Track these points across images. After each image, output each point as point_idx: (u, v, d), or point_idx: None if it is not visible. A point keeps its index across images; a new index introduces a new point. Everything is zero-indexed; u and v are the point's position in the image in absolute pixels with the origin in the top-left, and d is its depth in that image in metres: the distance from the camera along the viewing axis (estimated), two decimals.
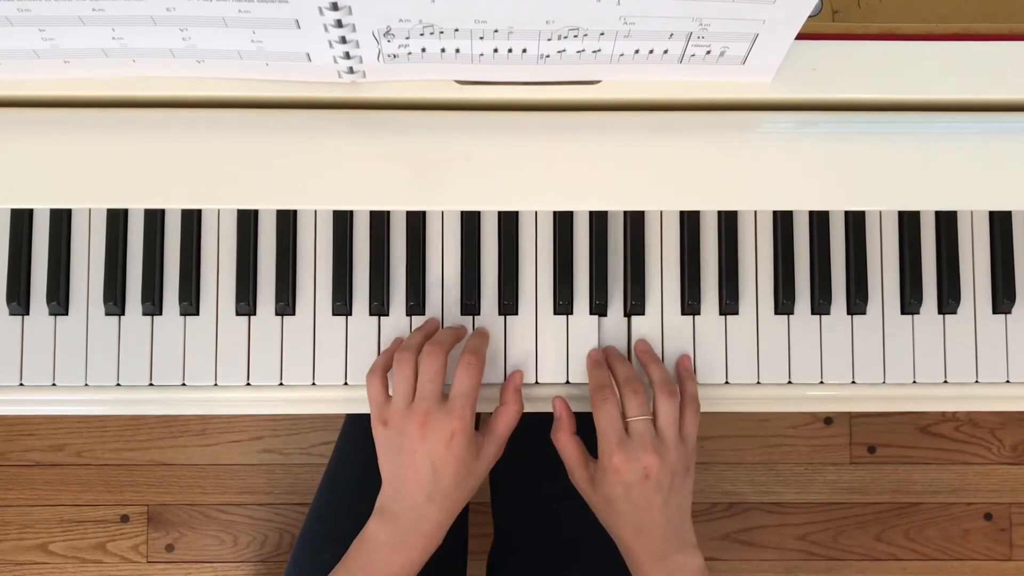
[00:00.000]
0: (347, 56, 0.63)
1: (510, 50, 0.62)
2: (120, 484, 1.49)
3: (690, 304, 0.75)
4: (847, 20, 0.69)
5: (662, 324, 0.76)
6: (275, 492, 1.49)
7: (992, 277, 0.76)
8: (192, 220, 0.75)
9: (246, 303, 0.74)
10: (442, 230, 0.75)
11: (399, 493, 0.68)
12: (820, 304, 0.75)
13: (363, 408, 0.72)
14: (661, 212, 0.76)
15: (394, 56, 0.63)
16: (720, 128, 0.68)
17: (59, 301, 0.74)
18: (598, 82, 0.68)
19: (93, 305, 0.74)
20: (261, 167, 0.67)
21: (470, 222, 0.75)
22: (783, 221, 0.76)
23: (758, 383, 0.75)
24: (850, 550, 1.50)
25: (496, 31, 0.60)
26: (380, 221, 0.75)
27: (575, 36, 0.61)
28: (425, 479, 0.67)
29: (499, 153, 0.68)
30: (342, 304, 0.74)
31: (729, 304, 0.75)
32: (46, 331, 0.74)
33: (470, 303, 0.75)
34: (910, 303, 0.75)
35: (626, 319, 0.76)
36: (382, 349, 0.75)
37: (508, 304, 0.75)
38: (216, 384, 0.74)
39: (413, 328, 0.75)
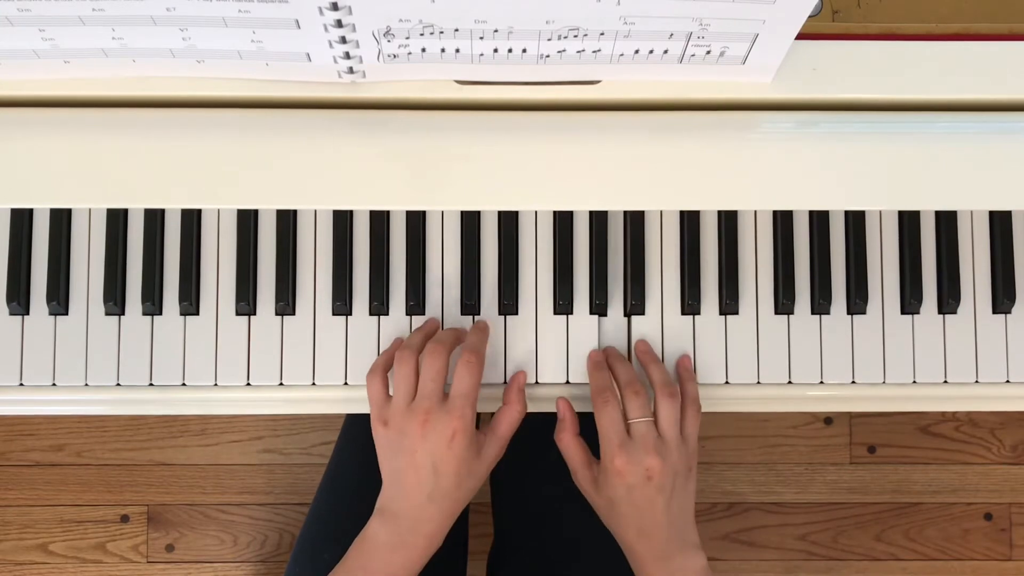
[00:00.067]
0: (347, 56, 0.63)
1: (510, 50, 0.62)
2: (120, 484, 1.49)
3: (690, 304, 0.75)
4: (847, 20, 0.69)
5: (662, 324, 0.76)
6: (275, 492, 1.49)
7: (992, 277, 0.76)
8: (192, 220, 0.75)
9: (246, 303, 0.74)
10: (442, 230, 0.75)
11: (400, 493, 0.68)
12: (820, 304, 0.75)
13: (363, 408, 0.72)
14: (661, 212, 0.76)
15: (394, 56, 0.63)
16: (720, 128, 0.68)
17: (59, 301, 0.74)
18: (598, 82, 0.68)
19: (93, 305, 0.74)
20: (261, 167, 0.67)
21: (470, 222, 0.75)
22: (783, 221, 0.76)
23: (758, 383, 0.75)
24: (850, 550, 1.50)
25: (496, 31, 0.60)
26: (380, 221, 0.75)
27: (575, 36, 0.61)
28: (426, 479, 0.67)
29: (499, 153, 0.68)
30: (342, 304, 0.74)
31: (729, 304, 0.75)
32: (46, 331, 0.74)
33: (470, 303, 0.75)
34: (910, 303, 0.75)
35: (626, 319, 0.76)
36: (382, 349, 0.75)
37: (508, 304, 0.75)
38: (216, 384, 0.74)
39: (413, 328, 0.75)
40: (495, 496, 0.99)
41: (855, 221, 0.76)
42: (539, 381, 0.75)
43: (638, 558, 0.69)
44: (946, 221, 0.76)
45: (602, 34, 0.61)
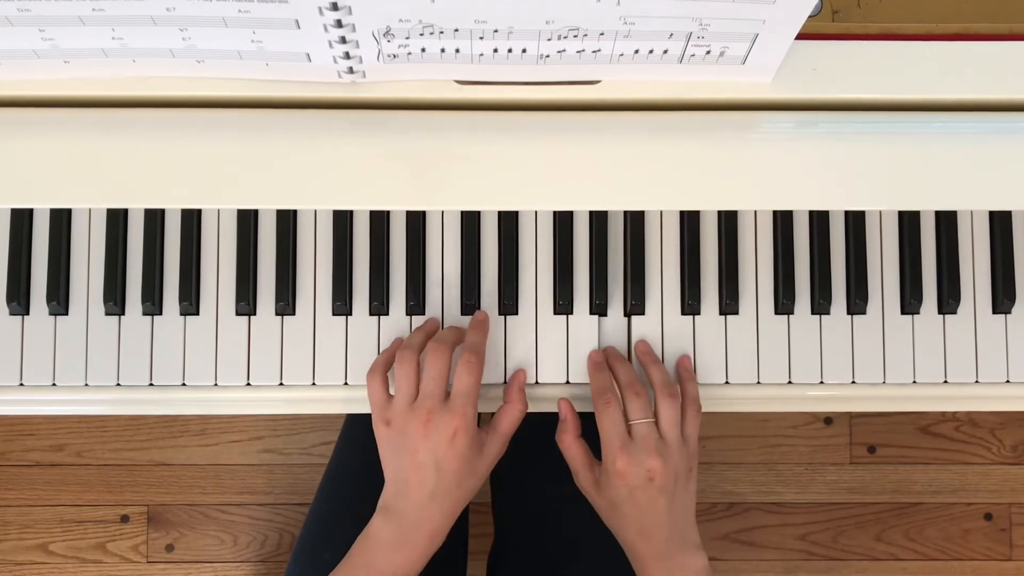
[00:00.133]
0: (347, 56, 0.63)
1: (510, 50, 0.62)
2: (120, 484, 1.49)
3: (690, 304, 0.75)
4: (847, 20, 0.69)
5: (662, 324, 0.76)
6: (275, 492, 1.49)
7: (992, 277, 0.76)
8: (192, 220, 0.75)
9: (246, 303, 0.74)
10: (442, 230, 0.75)
11: (402, 491, 0.68)
12: (820, 304, 0.75)
13: (363, 408, 0.72)
14: (661, 212, 0.76)
15: (394, 56, 0.63)
16: (720, 128, 0.68)
17: (59, 301, 0.74)
18: (598, 82, 0.68)
19: (93, 305, 0.74)
20: (261, 167, 0.67)
21: (470, 222, 0.75)
22: (783, 221, 0.76)
23: (758, 383, 0.75)
24: (850, 550, 1.50)
25: (496, 31, 0.60)
26: (380, 221, 0.75)
27: (575, 36, 0.61)
28: (428, 478, 0.67)
29: (499, 153, 0.68)
30: (342, 304, 0.74)
31: (729, 304, 0.75)
32: (46, 331, 0.74)
33: (470, 303, 0.75)
34: (910, 303, 0.75)
35: (626, 319, 0.76)
36: (382, 349, 0.75)
37: (508, 304, 0.75)
38: (216, 384, 0.74)
39: (413, 328, 0.75)
40: (495, 496, 0.99)
41: (855, 221, 0.76)
42: (539, 381, 0.75)
43: (639, 558, 0.69)
44: (946, 221, 0.76)
45: (602, 34, 0.61)
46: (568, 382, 0.75)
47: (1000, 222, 0.76)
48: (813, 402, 0.76)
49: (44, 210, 0.75)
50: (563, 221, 0.75)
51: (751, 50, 0.64)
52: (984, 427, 1.51)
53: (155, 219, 0.75)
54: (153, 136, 0.67)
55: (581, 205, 0.72)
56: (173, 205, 0.74)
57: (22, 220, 0.74)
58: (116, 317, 0.74)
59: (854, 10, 0.69)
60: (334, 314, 0.75)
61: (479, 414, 0.70)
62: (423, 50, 0.62)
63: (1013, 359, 0.76)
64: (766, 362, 0.75)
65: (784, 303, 0.75)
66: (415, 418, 0.67)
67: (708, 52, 0.64)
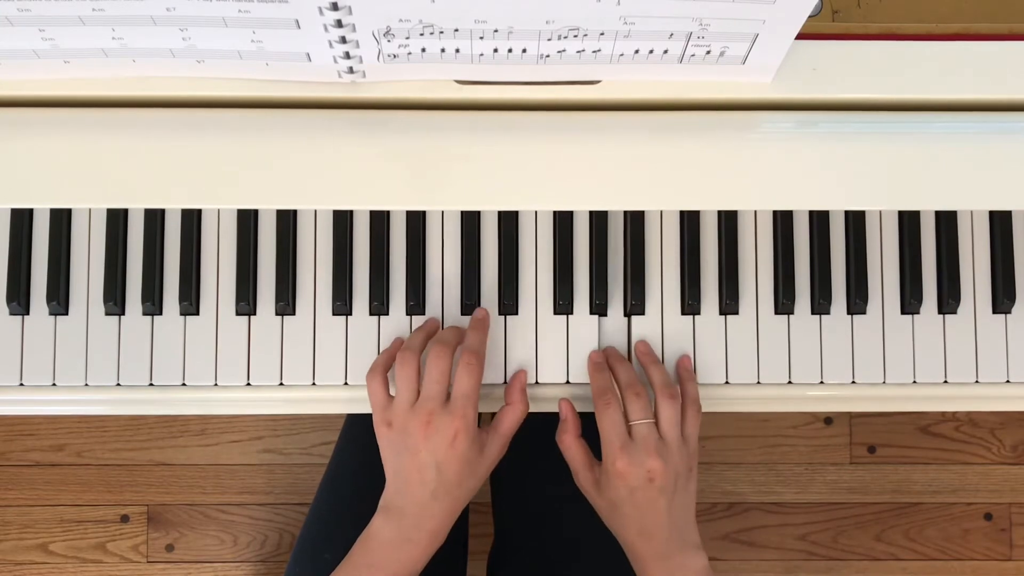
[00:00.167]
0: (347, 56, 0.63)
1: (510, 50, 0.62)
2: (120, 484, 1.49)
3: (690, 304, 0.75)
4: (847, 20, 0.69)
5: (662, 324, 0.76)
6: (275, 492, 1.49)
7: (992, 277, 0.76)
8: (192, 220, 0.75)
9: (246, 303, 0.74)
10: (442, 230, 0.75)
11: (403, 491, 0.68)
12: (820, 304, 0.75)
13: (363, 408, 0.72)
14: (661, 212, 0.76)
15: (394, 56, 0.63)
16: (720, 128, 0.68)
17: (59, 301, 0.74)
18: (598, 82, 0.68)
19: (93, 305, 0.74)
20: (261, 167, 0.67)
21: (470, 222, 0.75)
22: (783, 221, 0.76)
23: (758, 383, 0.75)
24: (850, 550, 1.50)
25: (496, 31, 0.60)
26: (380, 221, 0.75)
27: (575, 36, 0.61)
28: (429, 478, 0.67)
29: (499, 153, 0.68)
30: (342, 304, 0.74)
31: (729, 304, 0.75)
32: (46, 331, 0.74)
33: (470, 303, 0.75)
34: (910, 303, 0.75)
35: (626, 319, 0.76)
36: (382, 349, 0.75)
37: (508, 304, 0.75)
38: (216, 384, 0.74)
39: (413, 328, 0.75)
40: (496, 496, 0.99)
41: (855, 221, 0.76)
42: (539, 381, 0.75)
43: (639, 558, 0.69)
44: (946, 221, 0.76)
45: (602, 34, 0.61)
46: (568, 382, 0.75)
47: (1000, 222, 0.76)
48: (813, 402, 0.76)
49: (44, 210, 0.75)
50: (563, 221, 0.75)
51: (751, 50, 0.64)
52: (984, 427, 1.51)
53: (155, 219, 0.75)
54: (153, 136, 0.67)
55: (581, 205, 0.72)
56: (173, 205, 0.74)
57: (22, 220, 0.74)
58: (116, 317, 0.74)
59: (854, 10, 0.69)
60: (334, 314, 0.75)
61: (480, 414, 0.70)
62: (423, 50, 0.62)
63: (1013, 359, 0.76)
64: (766, 362, 0.75)
65: (784, 303, 0.75)
66: (416, 419, 0.67)
67: (708, 52, 0.64)
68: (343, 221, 0.75)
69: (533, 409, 0.74)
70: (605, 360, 0.73)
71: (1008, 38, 0.69)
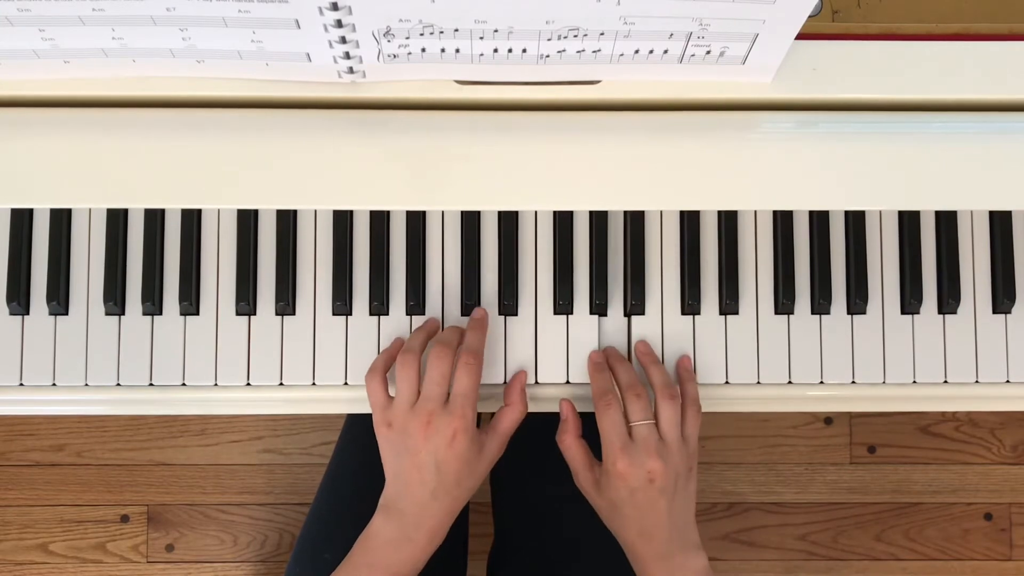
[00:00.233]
0: (347, 56, 0.63)
1: (510, 50, 0.62)
2: (120, 484, 1.49)
3: (690, 304, 0.75)
4: (847, 20, 0.69)
5: (662, 324, 0.76)
6: (275, 492, 1.49)
7: (992, 277, 0.76)
8: (192, 220, 0.75)
9: (246, 303, 0.74)
10: (442, 230, 0.75)
11: (403, 491, 0.68)
12: (820, 304, 0.75)
13: (363, 408, 0.72)
14: (661, 212, 0.76)
15: (394, 56, 0.63)
16: (720, 128, 0.68)
17: (59, 301, 0.74)
18: (598, 82, 0.68)
19: (93, 305, 0.74)
20: (261, 167, 0.67)
21: (470, 222, 0.75)
22: (783, 221, 0.76)
23: (758, 383, 0.75)
24: (850, 550, 1.50)
25: (496, 31, 0.60)
26: (380, 221, 0.75)
27: (575, 36, 0.61)
28: (429, 478, 0.67)
29: (499, 153, 0.68)
30: (342, 304, 0.74)
31: (729, 304, 0.75)
32: (46, 331, 0.74)
33: (470, 303, 0.75)
34: (910, 303, 0.75)
35: (626, 319, 0.76)
36: (382, 349, 0.75)
37: (508, 304, 0.75)
38: (216, 384, 0.74)
39: (413, 328, 0.75)
40: (496, 496, 1.00)
41: (855, 221, 0.76)
42: (539, 381, 0.75)
43: (639, 558, 0.69)
44: (946, 221, 0.76)
45: (602, 34, 0.61)
46: (568, 382, 0.75)
47: (1000, 222, 0.76)
48: (813, 402, 0.76)
49: (44, 210, 0.75)
50: (563, 221, 0.75)
51: (751, 50, 0.64)
52: (984, 427, 1.51)
53: (155, 219, 0.75)
54: (153, 136, 0.67)
55: (581, 205, 0.72)
56: (173, 205, 0.74)
57: (22, 220, 0.74)
58: (116, 317, 0.74)
59: (854, 10, 0.69)
60: (334, 314, 0.75)
61: (480, 414, 0.70)
62: (423, 50, 0.62)
63: (1013, 359, 0.76)
64: (766, 362, 0.75)
65: (784, 303, 0.75)
66: (416, 420, 0.67)
67: (708, 52, 0.64)
68: (343, 221, 0.75)
69: (533, 409, 0.74)
70: (605, 360, 0.73)
71: (1008, 38, 0.69)
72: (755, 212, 0.76)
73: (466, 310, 0.75)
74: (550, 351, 0.75)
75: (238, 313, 0.74)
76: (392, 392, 0.70)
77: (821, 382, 0.75)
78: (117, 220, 0.75)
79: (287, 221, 0.75)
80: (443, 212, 0.75)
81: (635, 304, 0.75)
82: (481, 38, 0.61)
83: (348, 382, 0.74)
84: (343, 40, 0.61)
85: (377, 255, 0.75)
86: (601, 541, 0.81)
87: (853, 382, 0.75)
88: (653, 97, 0.68)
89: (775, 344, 0.75)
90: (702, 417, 0.72)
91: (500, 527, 0.98)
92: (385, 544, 0.68)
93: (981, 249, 0.76)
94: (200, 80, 0.66)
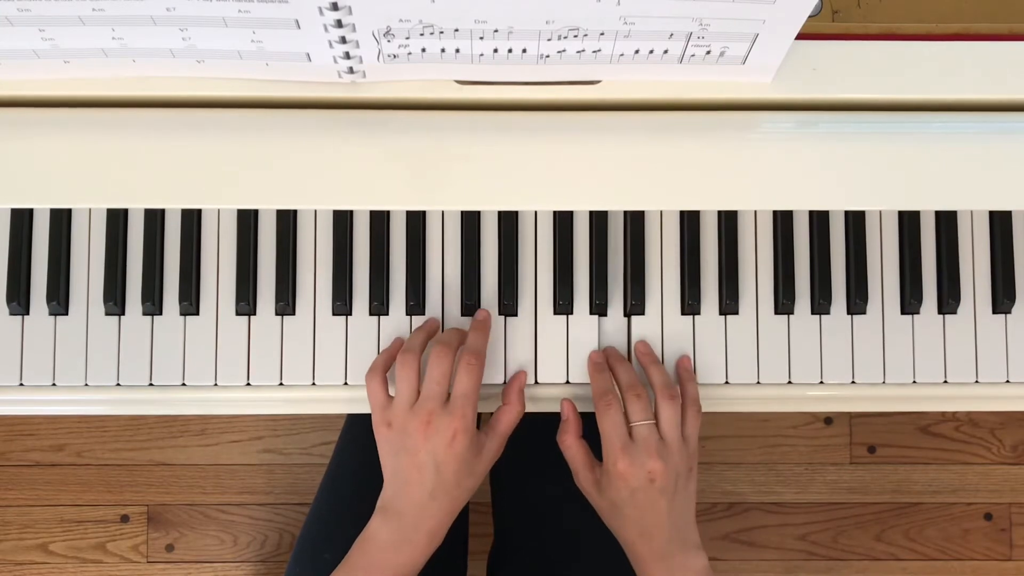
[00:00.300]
0: (347, 56, 0.63)
1: (510, 50, 0.62)
2: (120, 484, 1.49)
3: (690, 304, 0.75)
4: (847, 20, 0.69)
5: (662, 324, 0.76)
6: (275, 492, 1.49)
7: (992, 277, 0.76)
8: (192, 220, 0.75)
9: (246, 303, 0.74)
10: (442, 230, 0.75)
11: (401, 492, 0.68)
12: (820, 304, 0.75)
13: (363, 408, 0.72)
14: (661, 212, 0.76)
15: (394, 56, 0.63)
16: (720, 128, 0.68)
17: (59, 301, 0.74)
18: (598, 82, 0.68)
19: (93, 305, 0.74)
20: (261, 167, 0.67)
21: (470, 222, 0.75)
22: (783, 221, 0.76)
23: (758, 383, 0.75)
24: (850, 550, 1.50)
25: (496, 31, 0.60)
26: (380, 221, 0.75)
27: (575, 36, 0.61)
28: (428, 478, 0.67)
29: (499, 153, 0.68)
30: (342, 304, 0.74)
31: (729, 304, 0.75)
32: (46, 331, 0.74)
33: (470, 303, 0.75)
34: (910, 303, 0.75)
35: (626, 319, 0.76)
36: (382, 349, 0.75)
37: (508, 304, 0.75)
38: (216, 384, 0.74)
39: (413, 328, 0.75)
40: (496, 495, 1.00)
41: (855, 221, 0.76)
42: (539, 381, 0.75)
43: (639, 558, 0.69)
44: (946, 221, 0.76)
45: (602, 34, 0.61)
46: (568, 382, 0.75)
47: (1000, 222, 0.76)
48: (813, 402, 0.76)
49: (44, 210, 0.75)
50: (563, 221, 0.75)
51: (751, 50, 0.64)
52: (984, 427, 1.51)
53: (155, 219, 0.75)
54: (153, 136, 0.67)
55: (581, 205, 0.72)
56: (173, 205, 0.74)
57: (22, 220, 0.74)
58: (116, 317, 0.74)
59: (854, 10, 0.69)
60: (334, 314, 0.75)
61: (479, 414, 0.70)
62: (423, 50, 0.62)
63: (1013, 359, 0.76)
64: (766, 362, 0.75)
65: (784, 303, 0.75)
66: (416, 420, 0.67)
67: (708, 52, 0.64)
68: (343, 221, 0.75)
69: (534, 409, 0.74)
70: (605, 360, 0.73)
71: (1008, 38, 0.69)
72: (755, 212, 0.76)
73: (466, 310, 0.75)
74: (550, 351, 0.75)
75: (238, 313, 0.74)
76: (392, 392, 0.70)
77: (821, 382, 0.75)
78: (117, 220, 0.75)
79: (287, 221, 0.75)
80: (443, 212, 0.75)
81: (635, 304, 0.75)
82: (481, 38, 0.61)
83: (348, 382, 0.74)
84: (343, 40, 0.61)
85: (377, 255, 0.75)
86: (601, 541, 0.81)
87: (853, 382, 0.75)
88: (653, 97, 0.68)
89: (775, 344, 0.75)
90: (702, 417, 0.72)
91: (500, 527, 0.98)
92: (383, 545, 0.68)
93: (981, 249, 0.77)
94: (200, 80, 0.66)
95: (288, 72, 0.65)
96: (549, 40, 0.61)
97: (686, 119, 0.68)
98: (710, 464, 1.50)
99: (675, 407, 0.70)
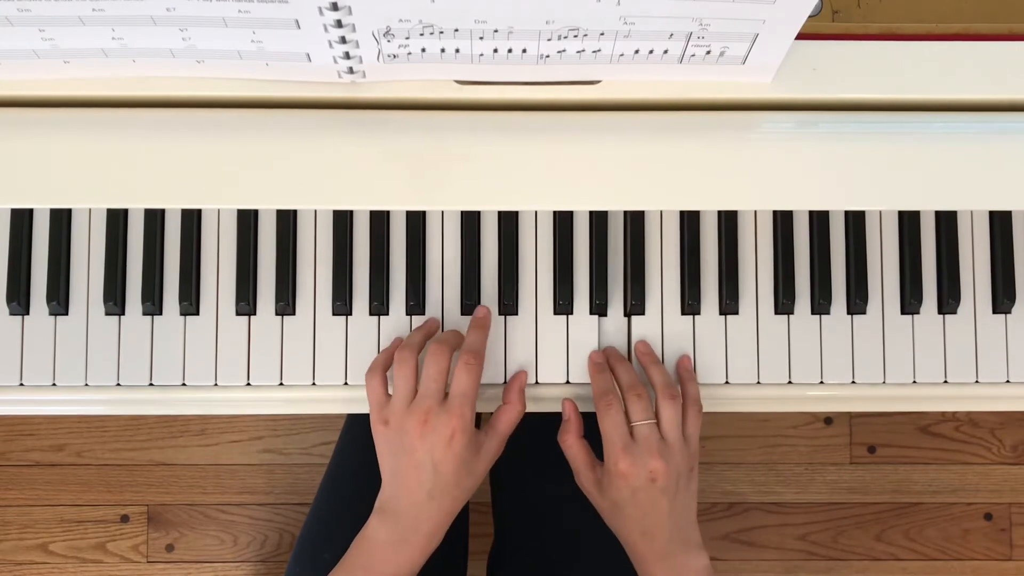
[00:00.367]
0: (347, 56, 0.63)
1: (510, 50, 0.62)
2: (120, 484, 1.49)
3: (690, 304, 0.75)
4: (847, 20, 0.69)
5: (662, 324, 0.76)
6: (275, 492, 1.49)
7: (992, 277, 0.76)
8: (192, 220, 0.75)
9: (246, 303, 0.74)
10: (442, 230, 0.75)
11: (399, 492, 0.68)
12: (820, 304, 0.75)
13: (363, 408, 0.72)
14: (661, 212, 0.76)
15: (394, 56, 0.63)
16: (720, 128, 0.68)
17: (59, 301, 0.74)
18: (598, 82, 0.68)
19: (93, 305, 0.74)
20: (261, 167, 0.67)
21: (470, 222, 0.75)
22: (783, 221, 0.76)
23: (758, 383, 0.75)
24: (850, 550, 1.50)
25: (496, 31, 0.60)
26: (380, 221, 0.75)
27: (575, 36, 0.61)
28: (426, 478, 0.67)
29: (499, 153, 0.68)
30: (342, 304, 0.74)
31: (729, 304, 0.75)
32: (46, 331, 0.74)
33: (470, 303, 0.75)
34: (910, 303, 0.75)
35: (626, 319, 0.76)
36: (382, 349, 0.75)
37: (508, 304, 0.75)
38: (216, 384, 0.74)
39: (413, 328, 0.75)
40: (496, 495, 0.99)
41: (855, 221, 0.76)
42: (539, 381, 0.75)
43: (641, 558, 0.69)
44: (946, 221, 0.76)
45: (602, 34, 0.61)
46: (568, 382, 0.75)
47: (1000, 222, 0.76)
48: (813, 402, 0.76)
49: (44, 210, 0.75)
50: (563, 221, 0.75)
51: (751, 50, 0.64)
52: (984, 427, 1.51)
53: (155, 219, 0.75)
54: (153, 136, 0.67)
55: (581, 205, 0.72)
56: (173, 205, 0.74)
57: (22, 220, 0.74)
58: (116, 317, 0.74)
59: (854, 10, 0.69)
60: (334, 314, 0.75)
61: (478, 414, 0.70)
62: (423, 50, 0.62)
63: (1013, 359, 0.76)
64: (766, 362, 0.75)
65: (784, 303, 0.75)
66: (413, 418, 0.67)
67: (708, 52, 0.64)
68: (343, 221, 0.75)
69: (534, 409, 0.74)
70: (606, 360, 0.73)
71: (1008, 38, 0.69)
72: (755, 212, 0.76)
73: (466, 310, 0.75)
74: (550, 351, 0.75)
75: (238, 313, 0.74)
76: (391, 391, 0.70)
77: (821, 382, 0.75)
78: (117, 220, 0.75)
79: (287, 221, 0.75)
80: (443, 212, 0.75)
81: (635, 304, 0.75)
82: (481, 38, 0.61)
83: (348, 382, 0.74)
84: (343, 40, 0.61)
85: (377, 255, 0.75)
86: (602, 541, 0.81)
87: (853, 382, 0.75)
88: (653, 97, 0.68)
89: (775, 344, 0.75)
90: (703, 417, 0.72)
91: (500, 527, 0.98)
92: (381, 546, 0.68)
93: (981, 249, 0.77)
94: (200, 80, 0.66)
95: (288, 72, 0.65)
96: (549, 40, 0.61)
97: (686, 119, 0.68)
98: (710, 464, 1.50)
99: (676, 407, 0.70)
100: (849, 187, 0.68)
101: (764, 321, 0.76)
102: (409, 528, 0.67)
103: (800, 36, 0.62)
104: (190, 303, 0.74)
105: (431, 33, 0.60)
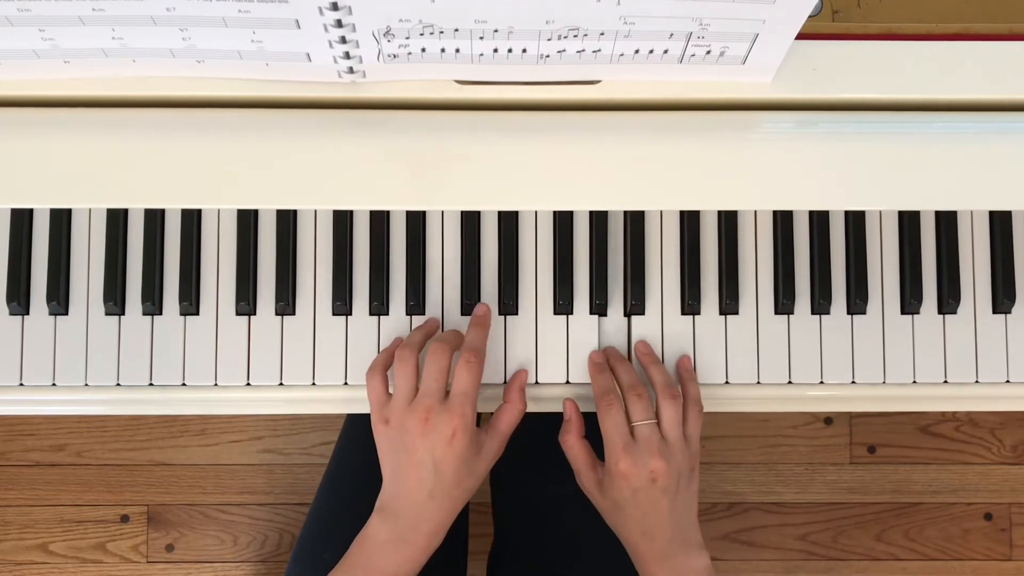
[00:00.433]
0: (347, 56, 0.63)
1: (510, 50, 0.62)
2: (120, 484, 1.49)
3: (690, 304, 0.75)
4: (847, 20, 0.69)
5: (662, 324, 0.76)
6: (275, 492, 1.49)
7: (992, 277, 0.76)
8: (192, 220, 0.75)
9: (246, 303, 0.74)
10: (442, 230, 0.75)
11: (400, 491, 0.68)
12: (820, 304, 0.75)
13: (363, 408, 0.72)
14: (661, 212, 0.76)
15: (394, 56, 0.63)
16: (720, 128, 0.68)
17: (59, 301, 0.74)
18: (598, 82, 0.68)
19: (93, 305, 0.74)
20: (261, 167, 0.67)
21: (470, 222, 0.75)
22: (783, 221, 0.76)
23: (758, 383, 0.75)
24: (850, 550, 1.50)
25: (496, 31, 0.60)
26: (380, 221, 0.75)
27: (575, 36, 0.61)
28: (426, 477, 0.67)
29: (499, 153, 0.68)
30: (342, 304, 0.74)
31: (729, 304, 0.75)
32: (46, 331, 0.74)
33: (470, 303, 0.75)
34: (910, 303, 0.75)
35: (626, 319, 0.76)
36: (382, 348, 0.74)
37: (508, 304, 0.75)
38: (216, 384, 0.74)
39: (413, 328, 0.75)
40: (496, 496, 0.99)
41: (855, 221, 0.76)
42: (539, 381, 0.75)
43: (642, 558, 0.69)
44: (946, 221, 0.76)
45: (602, 34, 0.61)
46: (568, 382, 0.75)
47: (1000, 222, 0.76)
48: (813, 402, 0.76)
49: (44, 210, 0.75)
50: (563, 221, 0.75)
51: (751, 50, 0.64)
52: (984, 427, 1.51)
53: (155, 219, 0.75)
54: (153, 136, 0.67)
55: (581, 205, 0.72)
56: (173, 205, 0.74)
57: (22, 220, 0.74)
58: (116, 317, 0.74)
59: (854, 10, 0.69)
60: (334, 314, 0.75)
61: (479, 413, 0.70)
62: (423, 50, 0.62)
63: (1013, 359, 0.76)
64: (766, 362, 0.75)
65: (784, 303, 0.75)
66: (413, 417, 0.67)
67: (708, 52, 0.64)
68: (343, 221, 0.75)
69: (534, 409, 0.74)
70: (606, 360, 0.73)
71: (1008, 38, 0.69)
72: (755, 212, 0.76)
73: (466, 310, 0.75)
74: (550, 351, 0.75)
75: (238, 313, 0.74)
76: (392, 390, 0.70)
77: (821, 382, 0.75)
78: (117, 220, 0.75)
79: (287, 221, 0.75)
80: (443, 212, 0.75)
81: (635, 304, 0.75)
82: (481, 38, 0.61)
83: (348, 382, 0.74)
84: (343, 40, 0.61)
85: (377, 255, 0.75)
86: (602, 541, 0.81)
87: (853, 382, 0.75)
88: (653, 97, 0.68)
89: (775, 344, 0.75)
90: (703, 417, 0.72)
91: (500, 527, 0.98)
92: (382, 546, 0.68)
93: (981, 249, 0.77)
94: (200, 80, 0.66)
95: (288, 72, 0.65)
96: (549, 40, 0.61)
97: (686, 119, 0.68)
98: (710, 464, 1.50)
99: (677, 407, 0.70)
100: (849, 187, 0.68)
101: (764, 321, 0.76)
102: (410, 528, 0.67)
103: (800, 36, 0.62)
104: (190, 303, 0.74)
105: (431, 33, 0.60)
